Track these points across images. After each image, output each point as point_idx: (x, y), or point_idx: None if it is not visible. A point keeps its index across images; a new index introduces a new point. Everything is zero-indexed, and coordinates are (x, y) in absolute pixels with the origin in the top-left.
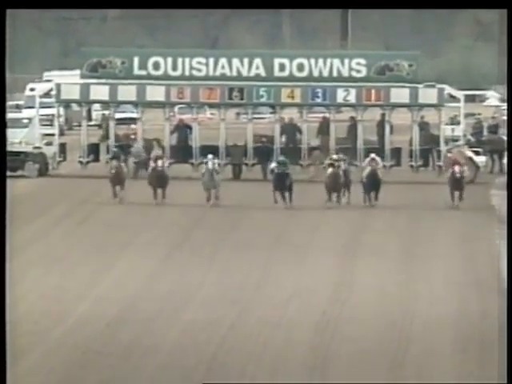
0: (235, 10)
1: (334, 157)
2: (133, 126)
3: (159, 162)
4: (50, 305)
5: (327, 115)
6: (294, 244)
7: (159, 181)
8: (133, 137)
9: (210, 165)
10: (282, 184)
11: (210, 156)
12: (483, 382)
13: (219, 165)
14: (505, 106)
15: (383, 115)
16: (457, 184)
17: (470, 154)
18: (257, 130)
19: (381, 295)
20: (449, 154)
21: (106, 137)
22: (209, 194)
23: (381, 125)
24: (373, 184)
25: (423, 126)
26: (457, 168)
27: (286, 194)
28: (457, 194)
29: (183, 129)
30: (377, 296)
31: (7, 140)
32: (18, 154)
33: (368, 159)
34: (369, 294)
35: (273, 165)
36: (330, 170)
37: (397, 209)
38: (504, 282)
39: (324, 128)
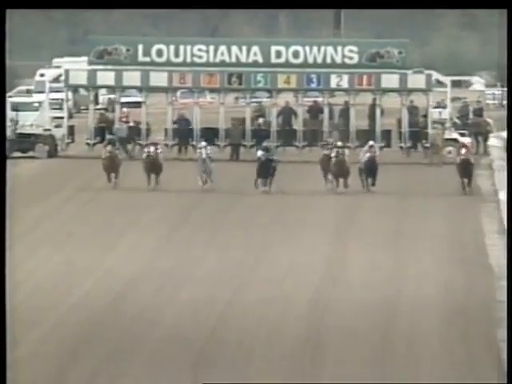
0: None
1: (339, 144)
2: (124, 109)
3: (152, 149)
4: (59, 280)
5: (320, 99)
6: (290, 224)
7: (153, 167)
8: (124, 120)
9: (203, 151)
10: (266, 172)
11: (203, 143)
12: (469, 355)
13: (218, 147)
14: (489, 90)
15: (374, 99)
16: (465, 169)
17: (455, 135)
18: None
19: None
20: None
21: (102, 120)
22: (203, 178)
23: (372, 108)
24: (371, 170)
25: (412, 110)
26: (463, 151)
27: (268, 181)
28: (466, 180)
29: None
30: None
31: (18, 123)
32: (28, 135)
33: (366, 146)
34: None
35: (259, 153)
36: (336, 157)
37: (389, 190)
38: (488, 257)
39: (314, 112)
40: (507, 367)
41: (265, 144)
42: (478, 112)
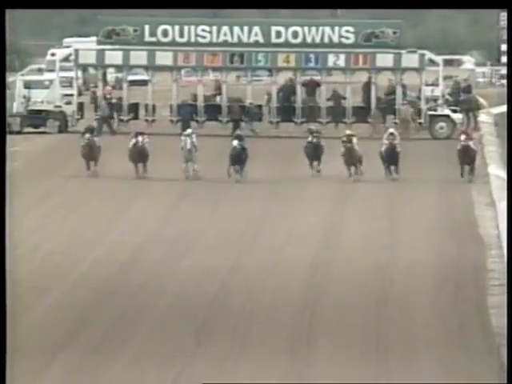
0: None
1: (348, 132)
2: (108, 87)
3: (139, 138)
4: (69, 249)
5: (318, 78)
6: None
7: (140, 156)
8: (108, 96)
9: (188, 141)
10: (240, 160)
11: (189, 130)
12: (460, 319)
13: (221, 122)
14: (479, 69)
15: (369, 78)
16: (464, 155)
17: (447, 111)
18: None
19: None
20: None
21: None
22: (187, 166)
23: (367, 86)
24: (392, 158)
25: (406, 87)
26: (463, 137)
27: (237, 168)
28: (466, 167)
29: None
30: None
31: (30, 100)
32: (40, 112)
33: (386, 134)
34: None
35: (234, 142)
36: (346, 146)
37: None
38: (478, 228)
39: (310, 89)
40: (507, 367)
41: (238, 133)
42: (468, 89)
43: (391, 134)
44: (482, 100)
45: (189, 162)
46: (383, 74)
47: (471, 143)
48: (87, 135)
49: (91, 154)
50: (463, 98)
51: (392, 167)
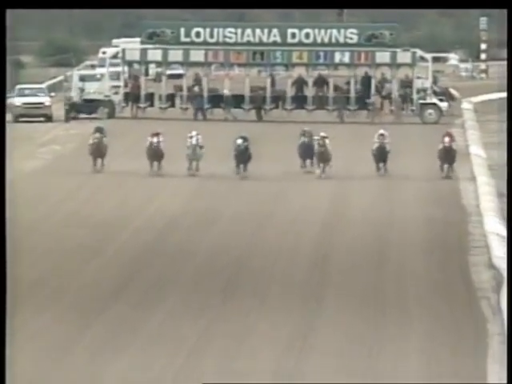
0: None
1: (381, 131)
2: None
3: (155, 139)
4: (118, 217)
5: (326, 73)
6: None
7: (155, 155)
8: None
9: (193, 140)
10: (244, 158)
11: (194, 132)
12: (446, 275)
13: (244, 109)
14: (462, 64)
15: (366, 72)
16: (446, 155)
17: (435, 100)
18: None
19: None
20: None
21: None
22: (191, 165)
23: (366, 79)
24: (382, 156)
25: (401, 80)
26: (447, 139)
27: (243, 166)
28: (446, 166)
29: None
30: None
31: (84, 91)
32: (92, 101)
33: (377, 134)
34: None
35: (239, 141)
36: (377, 144)
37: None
38: (461, 199)
39: (319, 82)
40: (507, 367)
41: (243, 135)
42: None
43: (381, 134)
44: (454, 91)
45: (193, 161)
46: (381, 69)
47: (453, 145)
48: (96, 134)
49: (98, 151)
50: (439, 91)
51: (381, 164)
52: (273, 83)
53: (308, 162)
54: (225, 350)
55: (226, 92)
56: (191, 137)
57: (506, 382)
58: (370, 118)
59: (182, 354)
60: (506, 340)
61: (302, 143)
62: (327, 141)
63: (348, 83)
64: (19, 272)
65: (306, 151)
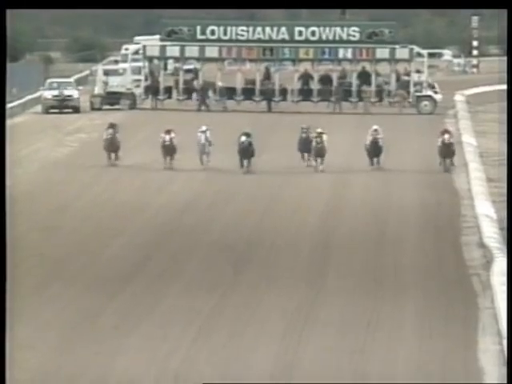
0: None
1: (375, 126)
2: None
3: (167, 136)
4: (138, 199)
5: (330, 67)
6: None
7: (168, 150)
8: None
9: (203, 137)
10: (247, 153)
11: (203, 127)
12: (439, 252)
13: (255, 101)
14: (455, 60)
15: (363, 67)
16: (446, 150)
17: (430, 92)
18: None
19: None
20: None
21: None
22: (202, 159)
23: (365, 74)
24: (375, 151)
25: (398, 74)
26: (446, 136)
27: (246, 161)
28: (447, 160)
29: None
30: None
31: (108, 84)
32: (115, 93)
33: (371, 130)
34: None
35: (242, 138)
36: (370, 139)
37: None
38: (454, 183)
39: (324, 79)
40: (507, 367)
41: (247, 131)
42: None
43: (375, 130)
44: (435, 85)
45: (203, 155)
46: (381, 64)
47: (451, 140)
48: (110, 130)
49: (112, 146)
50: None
51: (375, 159)
52: (268, 76)
53: (306, 155)
54: (236, 319)
55: (220, 84)
56: (203, 131)
57: (506, 381)
58: (365, 109)
59: (197, 322)
60: (506, 340)
61: (301, 138)
62: (324, 136)
63: (342, 77)
64: (49, 249)
65: (304, 146)
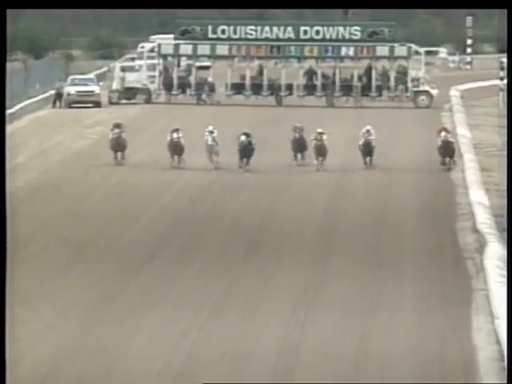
0: None
1: (368, 127)
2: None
3: (174, 135)
4: (153, 187)
5: (333, 64)
6: None
7: (175, 149)
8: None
9: (210, 138)
10: (247, 153)
11: (210, 127)
12: (436, 237)
13: (263, 96)
14: (450, 57)
15: (369, 64)
16: (446, 148)
17: (427, 87)
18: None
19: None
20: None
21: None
22: (211, 159)
23: (369, 70)
24: (368, 151)
25: (398, 70)
26: (443, 134)
27: (246, 160)
28: (447, 158)
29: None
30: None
31: (125, 80)
32: (132, 88)
33: (363, 130)
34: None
35: (242, 138)
36: (363, 139)
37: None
38: (450, 173)
39: (327, 76)
40: (507, 367)
41: (246, 131)
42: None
43: (367, 131)
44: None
45: (212, 155)
46: (381, 61)
47: (450, 138)
48: (116, 130)
49: (118, 146)
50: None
51: (367, 159)
52: (261, 73)
53: (299, 155)
54: (246, 300)
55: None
56: (210, 132)
57: (506, 381)
58: (357, 102)
59: (211, 302)
60: (506, 340)
61: (294, 138)
62: (324, 136)
63: (333, 74)
64: (72, 234)
65: (298, 145)
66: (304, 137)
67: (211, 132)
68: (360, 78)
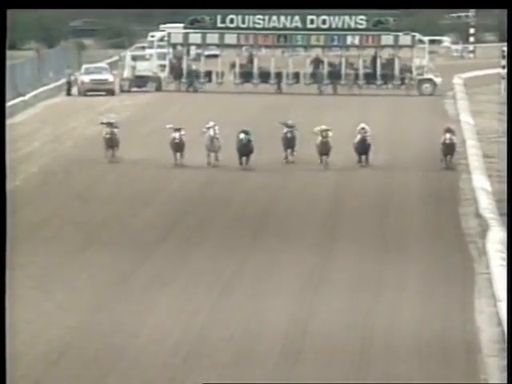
0: None
1: (362, 124)
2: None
3: (177, 135)
4: (164, 173)
5: (338, 53)
6: None
7: (177, 147)
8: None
9: (211, 132)
10: (246, 151)
11: (211, 123)
12: (439, 220)
13: (270, 83)
14: (454, 46)
15: (376, 52)
16: (448, 149)
17: (431, 75)
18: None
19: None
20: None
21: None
22: (209, 156)
23: (374, 59)
24: (363, 148)
25: (402, 59)
26: (448, 135)
27: (245, 159)
28: (448, 157)
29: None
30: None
31: (136, 68)
32: (142, 77)
33: (359, 128)
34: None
35: (241, 135)
36: (359, 137)
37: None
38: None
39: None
40: (507, 367)
41: (246, 129)
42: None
43: (362, 128)
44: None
45: (211, 152)
46: (386, 50)
47: (454, 139)
48: (108, 129)
49: (111, 143)
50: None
51: (363, 157)
52: (250, 61)
53: (289, 151)
54: (255, 280)
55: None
56: (208, 128)
57: (506, 381)
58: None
59: (221, 282)
60: (506, 339)
61: (285, 136)
62: (330, 133)
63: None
64: (85, 217)
65: (289, 143)
66: (294, 134)
67: (212, 127)
68: (365, 66)
